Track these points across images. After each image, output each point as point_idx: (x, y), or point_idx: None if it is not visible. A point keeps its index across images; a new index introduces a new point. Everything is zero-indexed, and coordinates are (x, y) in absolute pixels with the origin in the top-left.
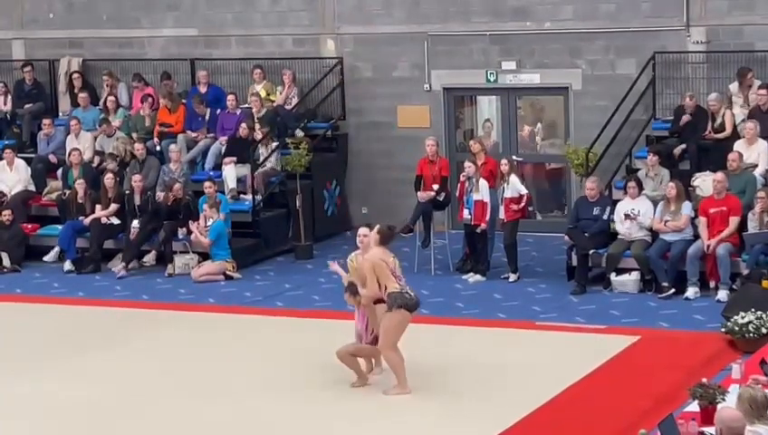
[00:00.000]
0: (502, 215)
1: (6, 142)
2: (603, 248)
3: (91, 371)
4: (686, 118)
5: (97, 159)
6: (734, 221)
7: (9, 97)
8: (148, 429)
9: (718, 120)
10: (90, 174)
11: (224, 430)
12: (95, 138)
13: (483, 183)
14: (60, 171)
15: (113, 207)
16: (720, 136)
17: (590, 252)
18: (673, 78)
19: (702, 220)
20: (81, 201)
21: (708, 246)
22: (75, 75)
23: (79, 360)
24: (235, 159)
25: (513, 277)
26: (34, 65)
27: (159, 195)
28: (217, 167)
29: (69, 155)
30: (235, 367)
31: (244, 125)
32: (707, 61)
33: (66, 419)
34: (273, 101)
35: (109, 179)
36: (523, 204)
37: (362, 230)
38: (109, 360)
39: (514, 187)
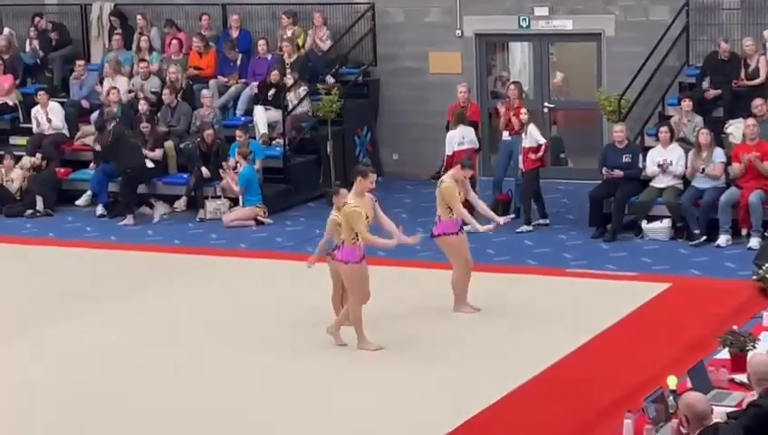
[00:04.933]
0: (521, 164)
1: (39, 86)
2: (634, 196)
3: (121, 315)
4: (711, 94)
5: (131, 96)
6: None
7: (40, 42)
8: (175, 375)
9: (752, 66)
10: (127, 114)
11: (252, 376)
12: (130, 79)
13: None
14: (94, 115)
15: (158, 151)
16: (754, 83)
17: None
18: (707, 24)
19: (735, 164)
20: None
21: (749, 159)
22: (113, 18)
23: (110, 304)
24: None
25: (543, 221)
26: (44, 15)
27: (192, 140)
28: (248, 112)
29: (107, 94)
30: (264, 312)
31: (275, 71)
32: (742, 7)
33: (94, 363)
34: (300, 47)
35: (145, 126)
36: (541, 153)
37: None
38: (139, 304)
39: (533, 136)
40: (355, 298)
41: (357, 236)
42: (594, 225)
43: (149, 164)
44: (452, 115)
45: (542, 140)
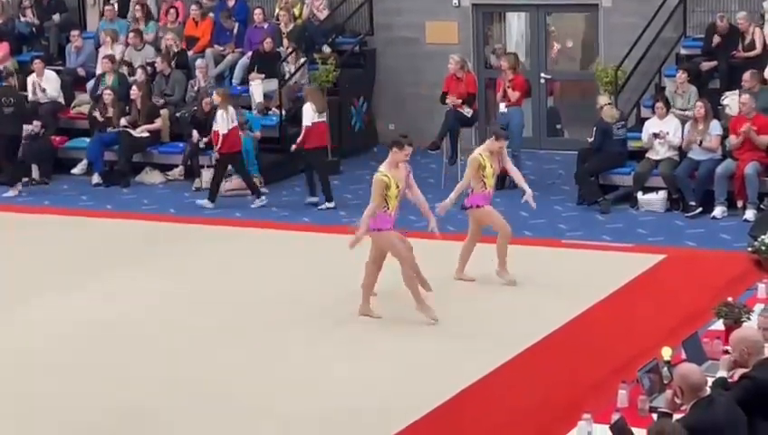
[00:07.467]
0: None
1: (35, 54)
2: (618, 168)
3: (117, 285)
4: (706, 66)
5: (126, 70)
6: (764, 140)
7: (35, 10)
8: (174, 345)
9: (748, 39)
10: (124, 83)
11: (249, 348)
12: (126, 48)
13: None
14: (90, 83)
15: (158, 122)
16: (750, 54)
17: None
18: None
19: (732, 136)
20: (109, 113)
21: (745, 132)
22: None
23: (106, 274)
24: (262, 76)
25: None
26: None
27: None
28: (244, 82)
29: (102, 63)
30: (261, 283)
31: (268, 39)
32: None
33: (91, 335)
34: (297, 16)
35: (134, 92)
36: (300, 138)
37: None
38: (136, 275)
39: (306, 115)
40: (402, 260)
41: (387, 204)
42: (578, 183)
43: (144, 134)
44: (446, 86)
45: (308, 123)
